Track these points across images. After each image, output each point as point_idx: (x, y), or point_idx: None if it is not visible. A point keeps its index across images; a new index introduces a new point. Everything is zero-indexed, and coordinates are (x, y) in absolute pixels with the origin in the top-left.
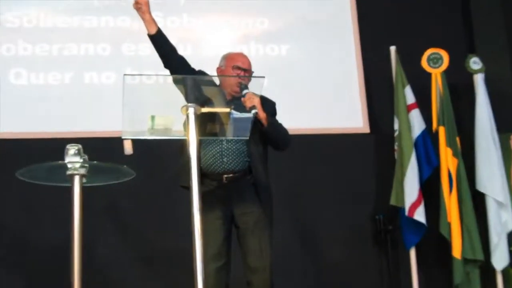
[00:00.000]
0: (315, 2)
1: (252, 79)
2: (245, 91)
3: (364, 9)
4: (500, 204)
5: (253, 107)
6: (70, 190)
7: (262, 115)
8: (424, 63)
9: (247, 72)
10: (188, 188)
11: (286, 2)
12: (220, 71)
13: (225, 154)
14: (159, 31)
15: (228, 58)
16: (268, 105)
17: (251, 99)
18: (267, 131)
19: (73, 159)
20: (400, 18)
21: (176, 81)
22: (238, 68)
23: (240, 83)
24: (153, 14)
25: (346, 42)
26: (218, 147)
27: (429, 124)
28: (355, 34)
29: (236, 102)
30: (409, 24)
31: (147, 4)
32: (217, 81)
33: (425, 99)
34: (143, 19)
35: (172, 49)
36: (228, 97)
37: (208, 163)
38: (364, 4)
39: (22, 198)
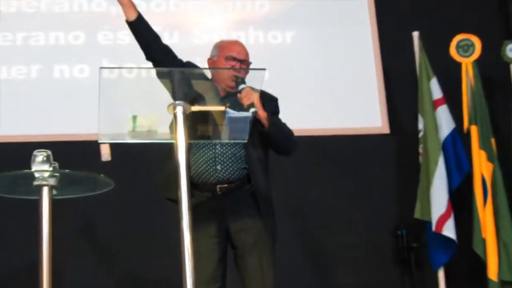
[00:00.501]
0: None
1: (251, 72)
2: (241, 86)
3: None
4: None
5: (251, 104)
6: (37, 203)
7: (262, 114)
8: (452, 51)
9: (244, 64)
10: (176, 201)
11: None
12: (212, 62)
13: (219, 161)
14: (140, 17)
15: (221, 47)
16: (269, 102)
17: (249, 95)
18: (268, 133)
19: (41, 167)
20: (424, 0)
21: (160, 75)
22: (232, 58)
23: (236, 77)
24: None
25: (362, 27)
26: (210, 152)
27: (459, 122)
28: (371, 18)
29: (232, 98)
30: (434, 6)
31: None
32: (208, 74)
33: (455, 93)
34: (120, 3)
35: (155, 38)
36: (222, 93)
37: (199, 171)
38: None
39: None
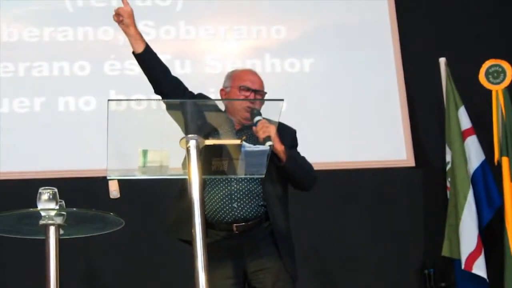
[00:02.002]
0: (345, 4)
1: (267, 102)
2: (257, 118)
3: (406, 13)
4: None
5: (268, 138)
6: (43, 243)
7: (279, 148)
8: (482, 78)
9: (259, 94)
10: (189, 243)
11: (308, 5)
12: (225, 93)
13: (235, 198)
14: (147, 49)
15: (234, 77)
16: (287, 134)
17: (265, 128)
18: (285, 168)
19: (47, 205)
20: (451, 23)
21: (171, 107)
22: (246, 89)
23: (251, 108)
24: (143, 23)
25: (385, 53)
26: (226, 189)
27: (489, 154)
28: (395, 43)
29: (247, 131)
30: (462, 30)
31: (131, 16)
32: (221, 106)
33: (484, 123)
34: (127, 34)
35: (165, 70)
36: (237, 126)
37: (214, 209)
38: (406, 6)
39: None
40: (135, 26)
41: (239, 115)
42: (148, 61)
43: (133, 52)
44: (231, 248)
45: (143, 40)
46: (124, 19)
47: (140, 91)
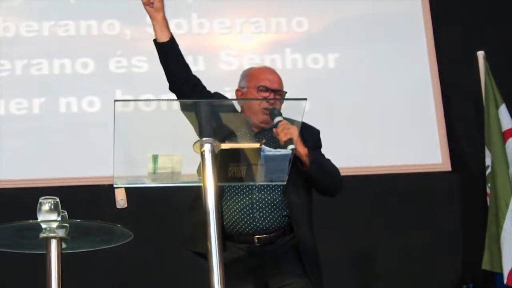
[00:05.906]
0: None
1: (289, 102)
2: (277, 119)
3: (441, 2)
4: None
5: (290, 140)
6: (44, 258)
7: (302, 151)
8: None
9: (278, 94)
10: (205, 256)
11: None
12: (241, 94)
13: (257, 208)
14: (172, 39)
15: (250, 77)
16: (310, 135)
17: (286, 129)
18: (309, 173)
19: (48, 216)
20: (490, 13)
21: (185, 108)
22: (265, 89)
23: (269, 109)
24: None
25: (417, 48)
26: (247, 198)
27: None
28: (428, 37)
29: (266, 133)
30: (501, 22)
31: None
32: (237, 108)
33: None
34: (153, 19)
35: (186, 67)
36: (255, 130)
37: (234, 220)
38: None
39: None
40: (164, 12)
41: (257, 117)
42: (171, 52)
43: (155, 40)
44: (252, 263)
45: (169, 29)
46: (155, 1)
47: (149, 90)
